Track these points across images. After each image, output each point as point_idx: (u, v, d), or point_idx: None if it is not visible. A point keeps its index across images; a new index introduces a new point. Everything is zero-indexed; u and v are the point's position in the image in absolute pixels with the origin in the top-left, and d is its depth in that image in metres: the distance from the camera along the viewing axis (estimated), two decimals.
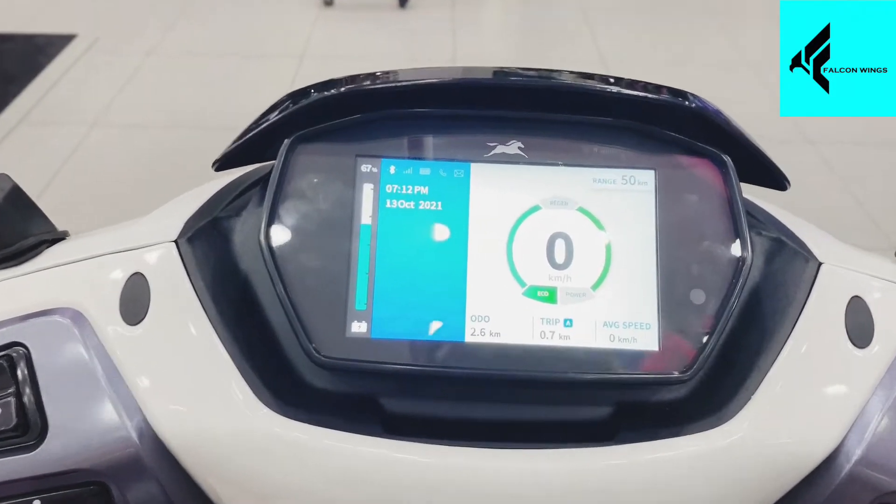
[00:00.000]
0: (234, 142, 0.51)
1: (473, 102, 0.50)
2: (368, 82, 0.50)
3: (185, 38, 3.10)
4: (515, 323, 0.47)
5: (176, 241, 0.48)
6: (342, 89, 0.49)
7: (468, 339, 0.46)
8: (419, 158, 0.49)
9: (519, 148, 0.49)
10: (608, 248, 0.48)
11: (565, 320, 0.47)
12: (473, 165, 0.49)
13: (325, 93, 0.48)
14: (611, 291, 0.47)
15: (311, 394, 0.46)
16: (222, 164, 0.52)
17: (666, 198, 0.48)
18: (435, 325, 0.47)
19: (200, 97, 2.64)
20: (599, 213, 0.48)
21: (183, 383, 0.44)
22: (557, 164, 0.49)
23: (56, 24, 3.07)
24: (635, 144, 0.49)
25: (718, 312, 0.45)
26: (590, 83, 0.49)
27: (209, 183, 0.55)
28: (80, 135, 2.33)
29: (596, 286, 0.47)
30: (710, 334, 0.45)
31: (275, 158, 0.48)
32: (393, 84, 0.50)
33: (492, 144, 0.49)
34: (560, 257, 0.48)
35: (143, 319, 0.45)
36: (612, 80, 0.50)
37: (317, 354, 0.44)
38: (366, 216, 0.48)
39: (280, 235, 0.47)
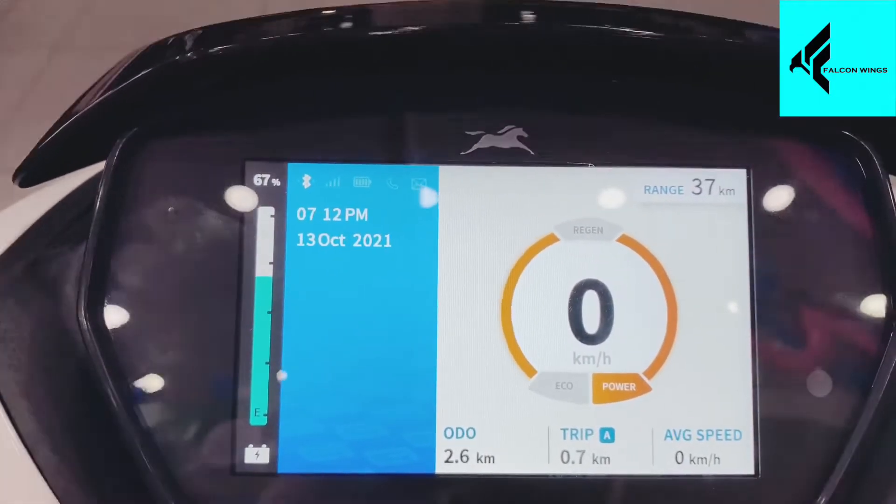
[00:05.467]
0: (44, 139, 0.36)
1: (439, 62, 0.37)
2: (265, 30, 0.36)
3: None
4: (520, 438, 0.35)
5: None
6: (218, 45, 0.34)
7: (441, 469, 0.35)
8: (352, 161, 0.36)
9: (519, 138, 0.37)
10: (672, 305, 0.36)
11: (602, 430, 0.35)
12: (444, 170, 0.37)
13: (187, 52, 0.34)
14: (677, 380, 0.36)
15: None
16: (29, 174, 0.37)
17: (768, 217, 0.37)
18: (385, 448, 0.35)
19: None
20: (655, 246, 0.36)
21: None
22: (583, 164, 0.37)
23: None
24: (713, 125, 0.37)
25: (855, 411, 0.35)
26: (639, 20, 0.35)
27: (34, 194, 0.40)
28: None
29: (652, 371, 0.36)
30: (843, 449, 0.34)
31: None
32: (307, 32, 0.36)
33: (473, 133, 0.37)
34: (592, 323, 0.36)
35: None
36: (669, 18, 0.36)
37: None
38: (263, 263, 0.35)
39: (115, 306, 0.35)
